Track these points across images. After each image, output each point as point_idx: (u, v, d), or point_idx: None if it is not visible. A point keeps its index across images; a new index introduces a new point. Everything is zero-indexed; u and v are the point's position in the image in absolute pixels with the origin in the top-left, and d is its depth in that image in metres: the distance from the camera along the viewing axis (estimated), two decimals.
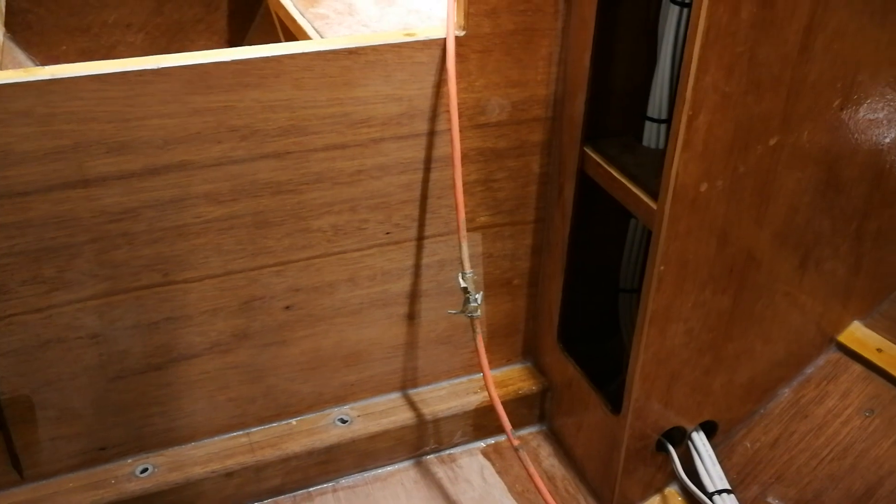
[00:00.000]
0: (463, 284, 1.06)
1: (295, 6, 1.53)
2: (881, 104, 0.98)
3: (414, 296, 1.17)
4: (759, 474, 1.11)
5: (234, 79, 0.94)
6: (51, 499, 1.07)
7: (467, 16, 1.00)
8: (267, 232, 1.04)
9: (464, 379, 1.27)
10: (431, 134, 1.06)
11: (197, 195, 0.98)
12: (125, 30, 1.97)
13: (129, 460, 1.12)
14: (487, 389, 1.11)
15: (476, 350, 1.10)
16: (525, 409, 1.28)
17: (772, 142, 0.93)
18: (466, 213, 1.07)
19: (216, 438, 1.15)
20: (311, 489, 1.19)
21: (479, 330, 1.09)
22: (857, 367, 1.13)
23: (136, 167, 0.94)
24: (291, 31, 1.52)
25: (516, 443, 1.11)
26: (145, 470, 1.10)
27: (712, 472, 1.10)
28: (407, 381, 1.24)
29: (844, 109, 0.96)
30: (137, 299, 1.02)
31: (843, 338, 1.16)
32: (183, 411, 1.12)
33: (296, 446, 1.15)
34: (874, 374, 1.12)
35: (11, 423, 1.03)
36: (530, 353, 1.30)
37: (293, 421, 1.19)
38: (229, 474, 1.12)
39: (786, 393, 1.16)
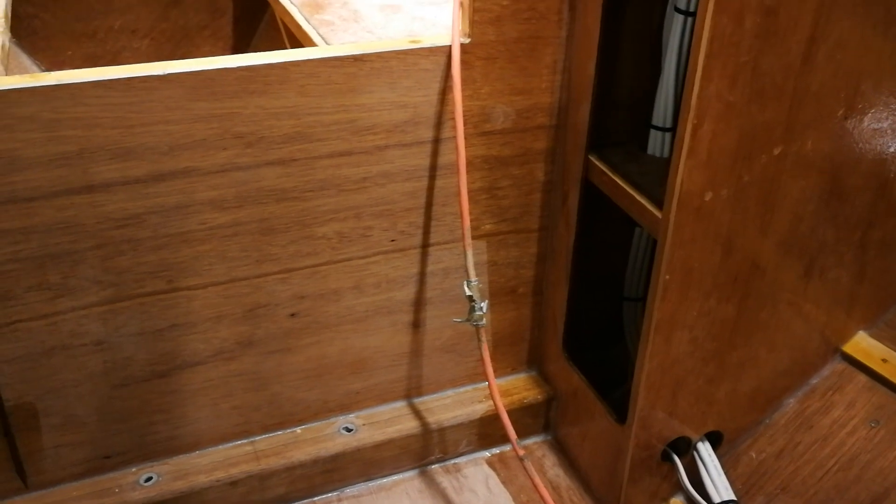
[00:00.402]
0: (468, 293, 1.06)
1: (300, 12, 1.53)
2: (885, 114, 0.98)
3: (419, 304, 1.17)
4: (765, 485, 1.10)
5: (239, 85, 0.94)
6: None
7: (472, 23, 1.00)
8: (272, 239, 1.04)
9: (468, 388, 1.26)
10: (436, 141, 1.06)
11: (201, 202, 0.98)
12: (131, 35, 1.98)
13: (134, 469, 1.11)
14: (493, 398, 1.11)
15: (481, 359, 1.09)
16: (530, 419, 1.27)
17: (776, 151, 0.93)
18: (471, 220, 1.07)
19: (220, 447, 1.15)
20: (315, 498, 1.19)
21: (484, 339, 1.09)
22: (863, 378, 1.13)
23: (140, 173, 0.94)
24: (297, 38, 1.53)
25: (521, 452, 1.10)
26: (149, 478, 1.10)
27: (718, 483, 1.09)
28: (412, 390, 1.24)
29: (848, 119, 0.95)
30: (142, 306, 1.02)
31: (848, 348, 1.16)
32: (187, 419, 1.12)
33: (301, 455, 1.15)
34: (879, 385, 1.11)
35: (16, 431, 1.03)
36: (535, 361, 1.30)
37: (298, 429, 1.18)
38: (234, 483, 1.12)
39: (791, 403, 1.15)
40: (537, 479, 1.09)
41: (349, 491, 1.20)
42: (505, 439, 1.15)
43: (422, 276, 1.15)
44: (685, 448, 1.12)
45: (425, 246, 1.13)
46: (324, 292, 1.10)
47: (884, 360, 1.13)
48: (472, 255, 1.06)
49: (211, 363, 1.09)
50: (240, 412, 1.14)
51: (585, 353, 1.22)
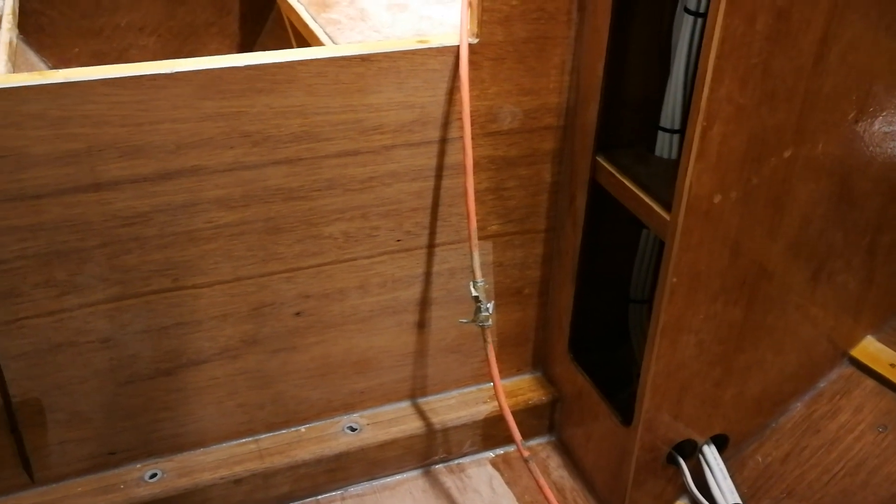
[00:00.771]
0: (474, 293, 1.06)
1: (307, 11, 1.53)
2: None
3: (424, 304, 1.16)
4: (771, 489, 1.10)
5: (246, 84, 0.94)
6: (60, 503, 1.07)
7: (480, 23, 1.00)
8: (278, 238, 1.04)
9: (473, 388, 1.26)
10: (443, 141, 1.06)
11: (208, 200, 0.98)
12: (138, 32, 1.98)
13: (138, 465, 1.12)
14: (497, 399, 1.11)
15: (486, 359, 1.09)
16: (534, 420, 1.27)
17: (786, 154, 0.92)
18: (477, 221, 1.07)
19: (225, 444, 1.15)
20: (319, 497, 1.19)
21: (489, 339, 1.09)
22: (870, 382, 1.13)
23: (148, 171, 0.94)
24: (303, 36, 1.53)
25: (526, 453, 1.10)
26: (154, 475, 1.10)
27: (723, 486, 1.09)
28: (416, 390, 1.24)
29: (859, 122, 0.95)
30: (148, 304, 1.02)
31: (856, 352, 1.15)
32: (192, 417, 1.12)
33: (305, 454, 1.15)
34: (887, 390, 1.11)
35: (22, 426, 1.03)
36: (540, 362, 1.30)
37: (302, 428, 1.18)
38: (238, 481, 1.12)
39: (798, 407, 1.15)
40: (541, 480, 1.09)
41: (353, 490, 1.20)
42: (509, 440, 1.15)
43: (427, 276, 1.15)
44: (691, 451, 1.11)
45: (431, 246, 1.13)
46: (329, 292, 1.10)
47: (892, 365, 1.13)
48: (479, 255, 1.06)
49: (216, 361, 1.09)
50: (244, 410, 1.14)
51: (591, 355, 1.21)
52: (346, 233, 1.07)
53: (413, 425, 1.20)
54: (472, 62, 1.01)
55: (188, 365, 1.08)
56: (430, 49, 0.99)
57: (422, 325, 1.18)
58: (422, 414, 1.22)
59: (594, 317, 1.22)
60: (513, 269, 1.20)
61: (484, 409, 1.23)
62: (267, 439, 1.17)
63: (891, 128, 0.98)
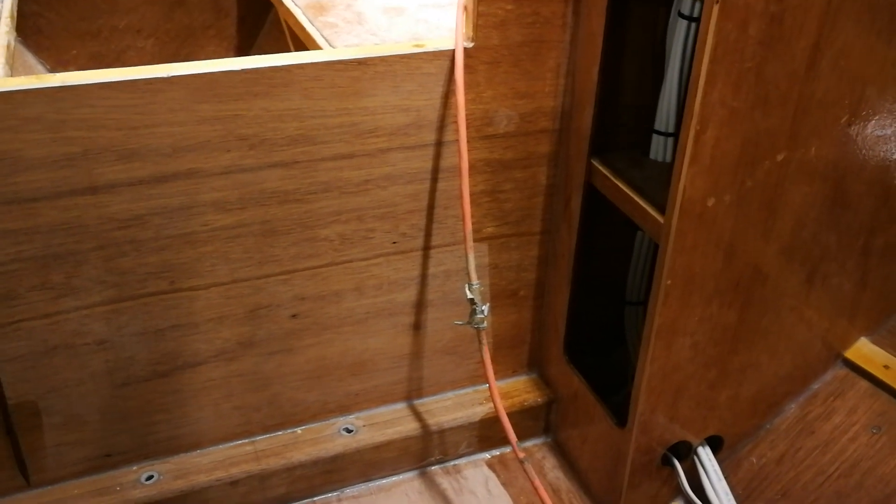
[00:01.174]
0: (470, 295, 1.06)
1: (304, 14, 1.53)
2: (889, 121, 0.98)
3: (420, 306, 1.17)
4: (765, 490, 1.10)
5: (243, 88, 0.94)
6: None
7: (476, 27, 1.00)
8: (274, 240, 1.04)
9: (469, 390, 1.27)
10: (439, 144, 1.06)
11: (205, 203, 0.98)
12: (135, 35, 1.98)
13: (135, 467, 1.12)
14: (493, 401, 1.11)
15: (482, 361, 1.09)
16: (530, 421, 1.28)
17: (779, 157, 0.93)
18: (473, 223, 1.07)
19: (221, 446, 1.15)
20: (315, 498, 1.19)
21: (485, 341, 1.09)
22: (864, 384, 1.13)
23: (144, 174, 0.94)
24: (300, 39, 1.53)
25: (521, 455, 1.11)
26: (150, 477, 1.11)
27: (718, 488, 1.09)
28: (412, 392, 1.24)
29: (852, 126, 0.95)
30: (144, 306, 1.02)
31: (850, 354, 1.16)
32: (188, 419, 1.12)
33: (301, 455, 1.15)
34: (881, 391, 1.12)
35: (18, 429, 1.03)
36: (536, 364, 1.30)
37: (298, 430, 1.19)
38: (234, 482, 1.12)
39: (792, 408, 1.15)
40: (537, 482, 1.09)
41: (349, 491, 1.21)
42: (505, 441, 1.15)
43: (423, 278, 1.15)
44: (685, 452, 1.12)
45: (427, 248, 1.13)
46: (325, 294, 1.10)
47: (886, 367, 1.13)
48: (474, 257, 1.06)
49: (212, 363, 1.09)
50: (240, 412, 1.14)
51: (586, 357, 1.22)
52: (342, 235, 1.07)
53: (409, 427, 1.21)
54: (467, 66, 1.01)
55: (184, 367, 1.08)
56: (425, 53, 1.00)
57: (417, 326, 1.18)
58: (418, 415, 1.22)
59: (589, 319, 1.23)
60: (508, 272, 1.20)
61: (480, 411, 1.24)
62: (263, 441, 1.17)
63: (883, 131, 0.99)
